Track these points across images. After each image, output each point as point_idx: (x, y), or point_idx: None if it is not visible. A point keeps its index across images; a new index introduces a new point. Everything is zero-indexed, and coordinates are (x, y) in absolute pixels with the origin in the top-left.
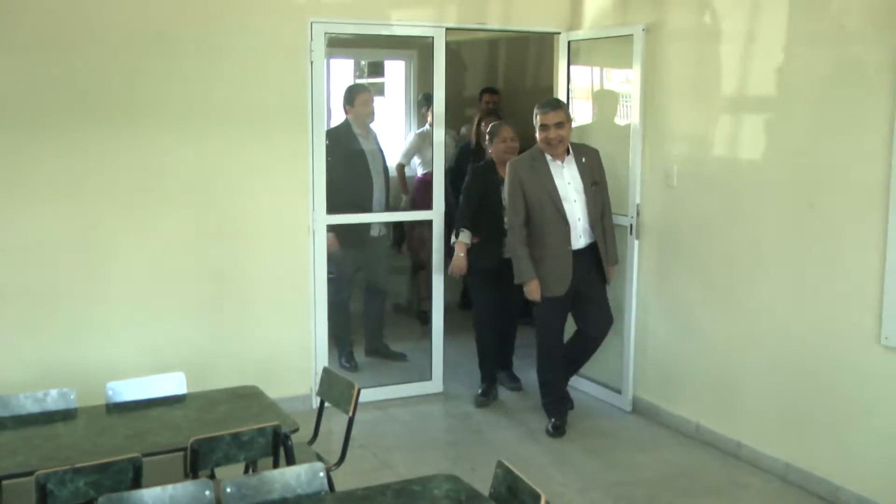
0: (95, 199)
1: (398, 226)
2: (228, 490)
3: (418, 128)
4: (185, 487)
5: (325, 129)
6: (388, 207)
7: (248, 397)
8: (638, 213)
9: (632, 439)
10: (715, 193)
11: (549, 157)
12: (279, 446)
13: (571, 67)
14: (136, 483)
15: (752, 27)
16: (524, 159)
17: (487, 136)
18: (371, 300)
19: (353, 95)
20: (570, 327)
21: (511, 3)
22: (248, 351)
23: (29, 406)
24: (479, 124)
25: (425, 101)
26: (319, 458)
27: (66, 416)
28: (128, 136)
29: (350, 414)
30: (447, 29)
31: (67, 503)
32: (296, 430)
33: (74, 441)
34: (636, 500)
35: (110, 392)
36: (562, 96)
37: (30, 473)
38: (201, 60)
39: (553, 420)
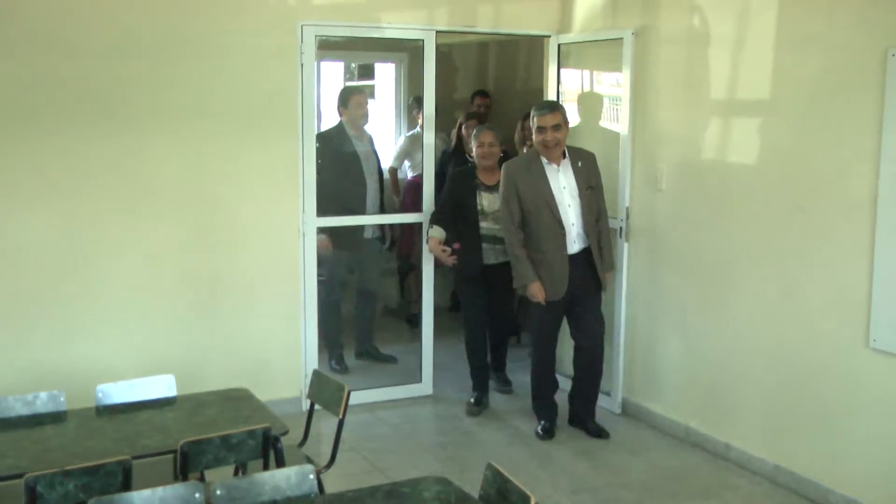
0: (85, 202)
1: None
2: (218, 492)
3: (409, 131)
4: (174, 490)
5: (316, 131)
6: (383, 210)
7: (237, 400)
8: (627, 216)
9: (621, 441)
10: (704, 197)
11: (544, 161)
12: (269, 449)
13: (561, 70)
14: (126, 486)
15: (742, 31)
16: (520, 162)
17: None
18: (363, 302)
19: (347, 98)
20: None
21: (501, 6)
22: (238, 353)
23: (18, 408)
24: (459, 128)
25: (416, 103)
26: (309, 461)
27: (56, 418)
28: (117, 139)
29: (340, 416)
30: (437, 32)
31: None
32: (285, 433)
33: (64, 444)
34: (625, 502)
35: (100, 394)
36: (550, 99)
37: (19, 476)
38: (191, 64)
39: (542, 422)
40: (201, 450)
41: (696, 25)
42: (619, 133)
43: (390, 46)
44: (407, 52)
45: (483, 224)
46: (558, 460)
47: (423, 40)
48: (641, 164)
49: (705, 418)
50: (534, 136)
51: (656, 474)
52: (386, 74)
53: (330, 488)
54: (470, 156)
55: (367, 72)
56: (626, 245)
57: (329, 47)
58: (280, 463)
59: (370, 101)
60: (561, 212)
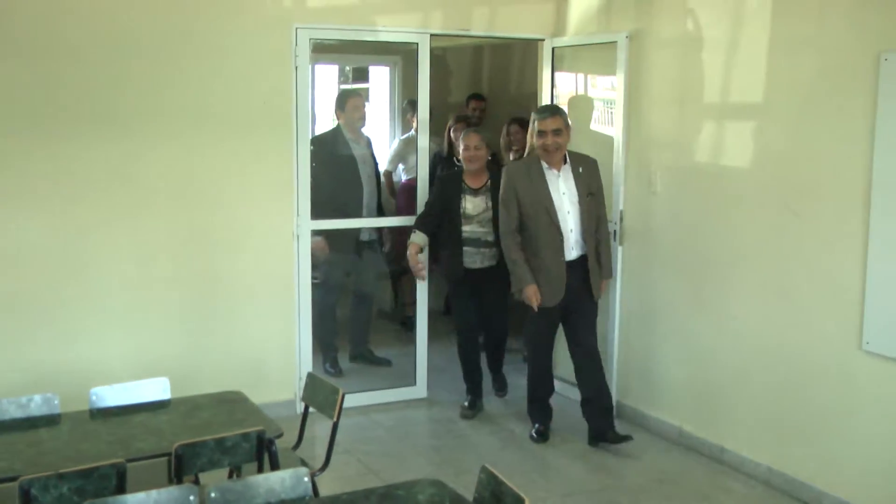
0: (80, 204)
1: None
2: (213, 495)
3: (403, 134)
4: (169, 493)
5: (311, 134)
6: (381, 212)
7: (232, 402)
8: (621, 219)
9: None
10: (698, 200)
11: (545, 165)
12: (263, 451)
13: (556, 74)
14: (121, 489)
15: (735, 35)
16: (520, 166)
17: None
18: (358, 305)
19: (344, 101)
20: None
21: (496, 10)
22: (233, 356)
23: (12, 411)
24: (448, 132)
25: (410, 107)
26: (304, 464)
27: (50, 421)
28: (112, 141)
29: (334, 419)
30: (432, 35)
31: None
32: (280, 436)
33: (58, 446)
34: None
35: (94, 397)
36: (546, 102)
37: (13, 479)
38: (186, 66)
39: (537, 425)
40: (195, 452)
41: (689, 29)
42: (613, 136)
43: (385, 49)
44: (401, 55)
45: (467, 228)
46: (553, 463)
47: (417, 43)
48: (636, 167)
49: (699, 421)
50: (535, 140)
51: (650, 477)
52: (380, 77)
53: (324, 491)
54: (458, 159)
55: (361, 75)
56: (619, 248)
57: (323, 50)
58: (274, 466)
59: (367, 104)
60: (560, 217)
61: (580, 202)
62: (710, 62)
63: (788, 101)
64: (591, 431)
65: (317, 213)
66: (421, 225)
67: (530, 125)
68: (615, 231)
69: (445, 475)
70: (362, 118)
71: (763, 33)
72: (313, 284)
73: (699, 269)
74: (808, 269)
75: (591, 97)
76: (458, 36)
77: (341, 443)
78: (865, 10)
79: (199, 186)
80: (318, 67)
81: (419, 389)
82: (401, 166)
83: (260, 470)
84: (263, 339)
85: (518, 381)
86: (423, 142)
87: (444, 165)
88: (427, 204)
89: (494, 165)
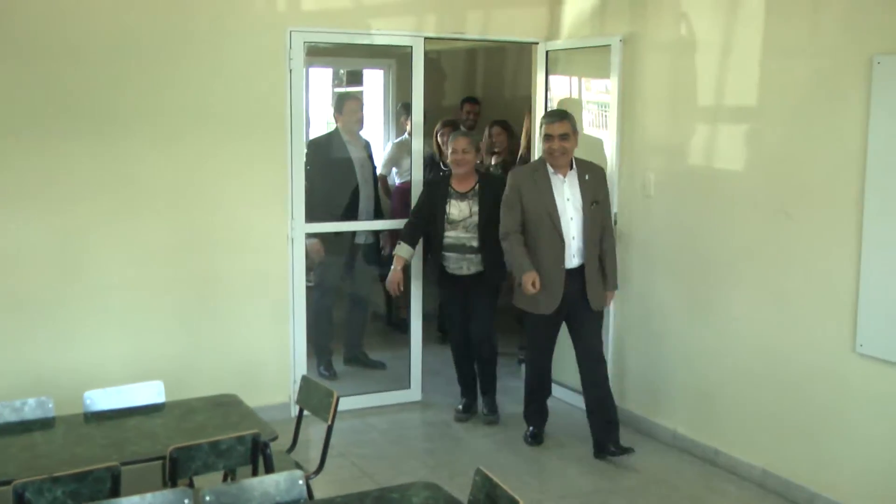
0: (74, 207)
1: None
2: (207, 498)
3: (397, 137)
4: (163, 496)
5: (305, 137)
6: (379, 215)
7: (226, 406)
8: (615, 223)
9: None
10: (692, 203)
11: (551, 170)
12: (258, 454)
13: (550, 77)
14: (115, 492)
15: (729, 38)
16: (526, 170)
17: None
18: (354, 308)
19: (342, 104)
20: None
21: (490, 13)
22: (227, 359)
23: (6, 415)
24: (436, 136)
25: (404, 110)
26: (298, 467)
27: (44, 425)
28: (107, 144)
29: (329, 422)
30: (426, 38)
31: None
32: (274, 439)
33: (52, 450)
34: None
35: (88, 401)
36: (540, 105)
37: (7, 483)
38: (180, 69)
39: (531, 428)
40: (190, 456)
41: (683, 33)
42: (606, 139)
43: (379, 53)
44: (395, 58)
45: (452, 233)
46: (547, 466)
47: (411, 47)
48: (629, 170)
49: (693, 423)
50: (542, 144)
51: (645, 479)
52: (374, 81)
53: (319, 494)
54: (444, 164)
55: (355, 78)
56: None
57: (317, 53)
58: (269, 469)
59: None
60: (562, 224)
61: (584, 209)
62: (703, 66)
63: (782, 103)
64: (594, 444)
65: (314, 215)
66: (406, 236)
67: (538, 129)
68: None
69: (440, 478)
70: (360, 121)
71: (756, 37)
72: (308, 287)
73: (693, 272)
74: (801, 272)
75: (581, 100)
76: (452, 39)
77: (336, 446)
78: (858, 13)
79: (193, 189)
80: (312, 70)
81: (413, 392)
82: (394, 170)
83: (254, 473)
84: (258, 342)
85: (510, 383)
86: (418, 145)
87: (432, 170)
88: (412, 212)
89: (482, 168)
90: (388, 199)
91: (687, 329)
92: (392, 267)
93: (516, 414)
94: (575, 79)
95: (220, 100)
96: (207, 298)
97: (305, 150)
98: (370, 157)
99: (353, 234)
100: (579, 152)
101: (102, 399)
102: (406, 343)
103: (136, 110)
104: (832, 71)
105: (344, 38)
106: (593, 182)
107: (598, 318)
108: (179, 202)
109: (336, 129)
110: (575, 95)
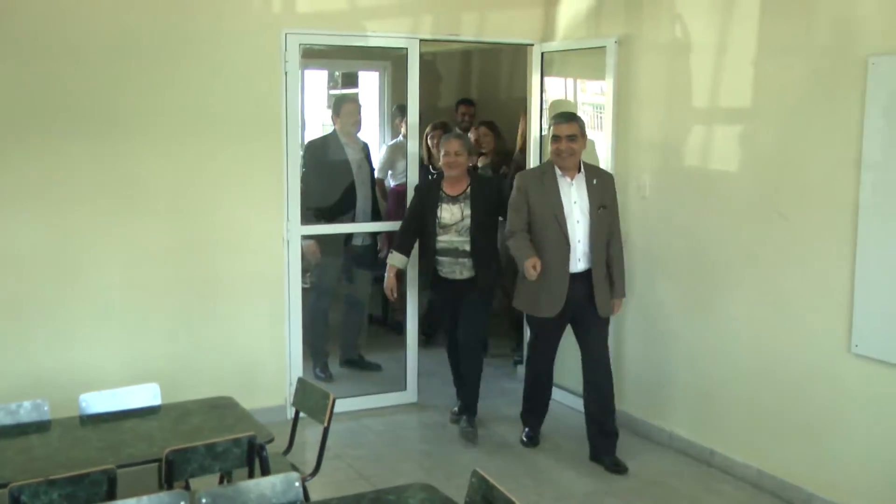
0: (71, 209)
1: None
2: (203, 501)
3: (392, 139)
4: (159, 498)
5: (301, 139)
6: (377, 217)
7: (222, 408)
8: None
9: None
10: (687, 204)
11: (558, 172)
12: (254, 457)
13: (545, 79)
14: (111, 495)
15: (724, 39)
16: (534, 171)
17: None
18: (351, 310)
19: (340, 106)
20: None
21: (485, 15)
22: (223, 362)
23: (2, 418)
24: (426, 139)
25: (399, 112)
26: (294, 469)
27: (40, 427)
28: (103, 145)
29: (325, 424)
30: (421, 40)
31: None
32: (271, 441)
33: (48, 453)
34: None
35: (84, 403)
36: (535, 107)
37: (3, 486)
38: (176, 71)
39: (527, 430)
40: (186, 458)
41: (678, 34)
42: (602, 141)
43: (374, 55)
44: (390, 60)
45: (444, 238)
46: (544, 467)
47: (406, 48)
48: (625, 171)
49: (689, 424)
50: (549, 145)
51: (641, 481)
52: (369, 83)
53: (315, 496)
54: (433, 167)
55: (350, 80)
56: None
57: (312, 55)
58: (265, 471)
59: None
60: (569, 226)
61: (591, 213)
62: (698, 67)
63: (777, 104)
64: (591, 449)
65: (310, 217)
66: (399, 245)
67: (547, 130)
68: None
69: (436, 480)
70: (357, 123)
71: (751, 37)
72: (304, 289)
73: (688, 273)
74: (796, 273)
75: (576, 102)
76: (447, 41)
77: (332, 448)
78: (852, 14)
79: (188, 191)
80: (307, 72)
81: (409, 394)
82: (390, 172)
83: (251, 475)
84: (254, 344)
85: (506, 385)
86: (413, 147)
87: (422, 173)
88: (404, 218)
89: (473, 170)
90: (385, 201)
91: (682, 329)
92: (386, 274)
93: (512, 416)
94: (570, 80)
95: (219, 101)
96: (205, 300)
97: (302, 152)
98: (368, 159)
99: (350, 235)
100: None
101: (98, 402)
102: (402, 345)
103: (136, 111)
104: (827, 71)
105: (339, 40)
106: (601, 187)
107: (604, 324)
108: (174, 204)
109: (333, 130)
110: (570, 97)
